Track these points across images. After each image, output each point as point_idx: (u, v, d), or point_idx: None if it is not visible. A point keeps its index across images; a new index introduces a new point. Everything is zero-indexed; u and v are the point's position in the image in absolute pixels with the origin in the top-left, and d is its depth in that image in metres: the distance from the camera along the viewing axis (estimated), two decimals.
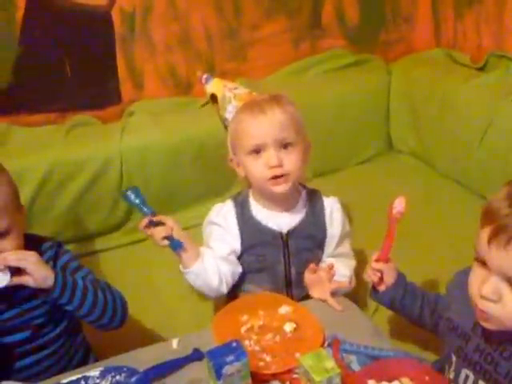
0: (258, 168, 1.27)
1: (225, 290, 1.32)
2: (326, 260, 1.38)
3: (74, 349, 1.29)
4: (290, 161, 1.27)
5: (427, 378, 1.05)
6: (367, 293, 1.47)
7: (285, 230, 1.34)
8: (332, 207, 1.38)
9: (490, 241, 0.88)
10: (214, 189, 1.81)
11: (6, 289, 1.10)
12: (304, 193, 1.38)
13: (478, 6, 1.96)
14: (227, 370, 0.95)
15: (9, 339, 1.18)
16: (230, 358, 0.95)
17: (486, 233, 0.89)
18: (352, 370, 1.09)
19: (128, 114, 1.85)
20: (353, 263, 1.42)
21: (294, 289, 1.36)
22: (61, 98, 1.84)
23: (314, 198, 1.38)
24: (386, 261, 1.25)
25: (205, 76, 1.49)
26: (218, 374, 0.95)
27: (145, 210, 1.24)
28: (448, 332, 1.11)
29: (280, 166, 1.25)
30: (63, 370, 1.21)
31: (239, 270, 1.35)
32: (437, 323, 1.20)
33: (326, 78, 2.08)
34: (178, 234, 1.24)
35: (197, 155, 1.77)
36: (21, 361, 1.20)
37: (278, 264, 1.34)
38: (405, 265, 1.31)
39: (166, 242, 1.23)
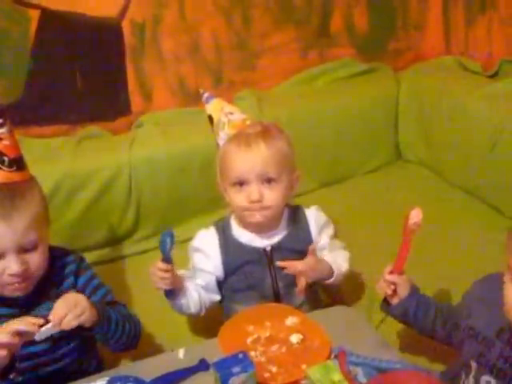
0: (239, 198, 1.30)
1: (202, 313, 1.38)
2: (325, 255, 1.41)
3: (87, 361, 1.31)
4: (271, 196, 1.30)
5: None
6: (373, 304, 1.48)
7: (268, 247, 1.36)
8: (315, 217, 1.41)
9: None
10: (221, 200, 1.82)
11: None
12: (286, 212, 1.40)
13: (490, 12, 1.95)
14: (233, 381, 0.96)
15: (31, 349, 1.18)
16: (237, 369, 0.96)
17: None
18: (359, 383, 1.08)
19: (137, 125, 1.87)
20: (347, 254, 1.44)
21: (283, 302, 1.37)
22: (71, 110, 1.86)
23: (296, 214, 1.40)
24: (401, 273, 1.25)
25: (206, 95, 1.43)
26: None
27: (168, 258, 1.25)
28: (468, 340, 1.11)
29: (260, 200, 1.29)
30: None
31: (217, 297, 1.40)
32: (449, 334, 1.20)
33: (335, 86, 2.08)
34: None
35: (204, 166, 1.76)
36: (39, 371, 1.22)
37: (265, 280, 1.36)
38: (417, 276, 1.30)
39: (162, 290, 1.29)
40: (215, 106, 1.38)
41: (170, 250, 1.23)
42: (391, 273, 1.25)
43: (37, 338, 1.08)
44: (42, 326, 1.07)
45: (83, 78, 1.84)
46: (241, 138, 1.30)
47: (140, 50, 1.85)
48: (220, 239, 1.37)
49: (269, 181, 1.29)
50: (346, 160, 2.10)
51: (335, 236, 1.48)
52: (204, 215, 1.81)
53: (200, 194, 1.82)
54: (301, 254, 1.37)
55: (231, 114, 1.34)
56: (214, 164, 1.80)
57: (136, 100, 1.90)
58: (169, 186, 1.80)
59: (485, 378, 1.06)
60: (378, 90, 2.11)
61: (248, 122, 1.33)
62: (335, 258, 1.39)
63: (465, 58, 2.05)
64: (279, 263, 1.34)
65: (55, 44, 1.78)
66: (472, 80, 1.95)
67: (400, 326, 1.38)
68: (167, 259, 1.24)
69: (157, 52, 1.88)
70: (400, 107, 2.11)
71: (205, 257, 1.37)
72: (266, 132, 1.31)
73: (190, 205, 1.84)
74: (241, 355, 0.98)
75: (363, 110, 2.07)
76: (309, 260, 1.32)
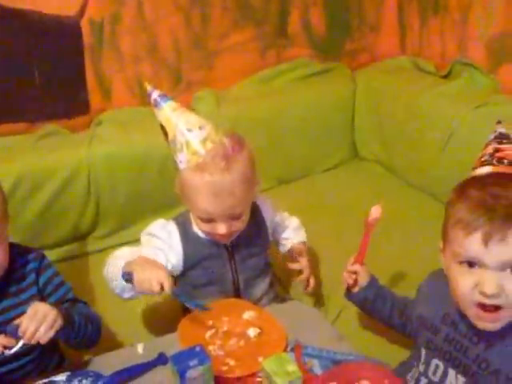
0: (206, 227, 1.30)
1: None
2: (288, 241, 1.49)
3: (49, 357, 1.31)
4: (238, 224, 1.30)
5: (386, 381, 1.10)
6: (330, 297, 1.53)
7: (229, 242, 1.36)
8: (262, 203, 1.44)
9: (486, 244, 0.95)
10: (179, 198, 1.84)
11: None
12: None
13: (443, 14, 2.00)
14: (191, 374, 0.98)
15: None
16: (194, 362, 0.98)
17: (476, 240, 0.96)
18: (314, 374, 1.12)
19: (96, 123, 1.86)
20: (297, 220, 1.56)
21: (242, 296, 1.39)
22: (30, 109, 1.84)
23: (253, 209, 1.38)
24: (361, 264, 1.33)
25: (154, 96, 1.27)
26: (182, 378, 0.98)
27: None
28: (418, 328, 1.17)
29: (228, 232, 1.29)
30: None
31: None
32: (405, 324, 1.26)
33: (292, 86, 2.11)
34: None
35: (163, 164, 1.77)
36: (4, 366, 1.21)
37: (225, 274, 1.37)
38: (375, 269, 1.37)
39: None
40: (167, 119, 1.26)
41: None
42: (353, 264, 1.33)
43: (6, 354, 1.07)
44: (11, 347, 1.07)
45: (42, 76, 1.82)
46: (206, 177, 1.22)
47: (98, 48, 1.85)
48: (180, 233, 1.35)
49: (238, 217, 1.29)
50: (303, 158, 2.14)
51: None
52: (163, 213, 1.79)
53: (159, 191, 1.82)
54: (259, 246, 1.42)
55: (189, 131, 1.24)
56: (172, 163, 1.82)
57: (95, 98, 1.90)
58: (128, 184, 1.81)
59: (434, 361, 1.12)
60: (334, 89, 2.15)
61: (208, 145, 1.23)
62: (299, 235, 1.51)
63: (419, 59, 2.11)
64: (290, 265, 1.43)
65: (13, 42, 1.76)
66: (426, 80, 2.00)
67: (358, 318, 1.45)
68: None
69: (115, 51, 1.87)
70: (356, 106, 2.17)
71: (166, 245, 1.34)
72: (229, 162, 1.23)
73: (148, 202, 1.85)
74: (198, 348, 1.01)
75: (320, 109, 2.11)
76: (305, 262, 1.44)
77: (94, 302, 1.50)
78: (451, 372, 1.08)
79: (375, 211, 1.31)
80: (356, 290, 1.33)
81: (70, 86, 1.87)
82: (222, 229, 1.28)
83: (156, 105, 1.28)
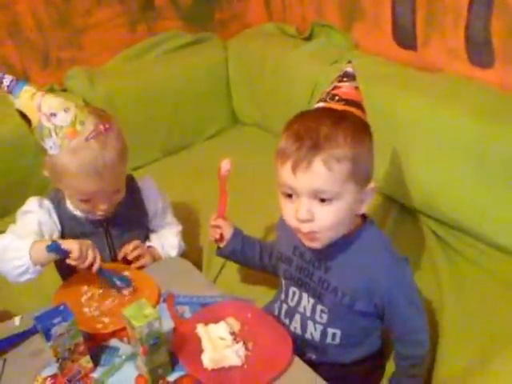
0: (87, 206, 1.31)
1: None
2: (151, 237, 1.46)
3: None
4: (117, 196, 1.33)
5: (249, 315, 1.18)
6: (211, 254, 1.59)
7: (104, 217, 1.36)
8: (146, 187, 1.45)
9: (294, 172, 1.03)
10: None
11: None
12: None
13: None
14: (56, 330, 1.01)
15: None
16: (58, 319, 1.01)
17: (288, 168, 1.04)
18: (184, 319, 1.19)
19: None
20: (179, 228, 1.51)
21: None
22: None
23: (129, 185, 1.39)
24: (223, 218, 1.38)
25: (6, 83, 1.19)
26: (47, 336, 1.01)
27: None
28: (277, 262, 1.27)
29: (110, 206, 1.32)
30: None
31: None
32: (275, 266, 1.32)
33: (165, 58, 2.15)
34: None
35: (38, 145, 1.73)
36: None
37: (102, 251, 1.36)
38: (244, 222, 1.43)
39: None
40: (27, 103, 1.20)
41: None
42: (216, 219, 1.38)
43: None
44: None
45: None
46: (84, 160, 1.22)
47: None
48: (56, 209, 1.36)
49: (118, 191, 1.32)
50: (184, 129, 2.19)
51: (170, 206, 1.53)
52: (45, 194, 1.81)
53: (37, 173, 1.74)
54: (137, 224, 1.44)
55: (53, 115, 1.20)
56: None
57: None
58: (3, 170, 1.79)
59: (291, 289, 1.23)
60: (207, 59, 2.20)
61: (78, 127, 1.22)
62: (163, 244, 1.44)
63: (283, 24, 2.20)
64: (119, 255, 1.38)
65: None
66: (290, 42, 2.09)
67: (240, 271, 1.53)
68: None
69: None
70: (230, 73, 2.23)
71: (43, 222, 1.33)
72: (104, 141, 1.24)
73: (29, 186, 1.80)
74: (61, 307, 1.04)
75: (195, 80, 2.16)
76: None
77: None
78: (304, 296, 1.19)
79: (225, 164, 1.37)
80: (224, 243, 1.38)
81: None
82: (103, 205, 1.30)
83: (11, 92, 1.21)
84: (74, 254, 1.19)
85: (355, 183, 1.05)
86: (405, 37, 1.82)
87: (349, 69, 1.20)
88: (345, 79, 1.18)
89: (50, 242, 1.19)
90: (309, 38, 2.10)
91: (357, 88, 1.17)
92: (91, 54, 2.06)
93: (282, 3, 2.22)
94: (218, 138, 2.27)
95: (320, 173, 1.02)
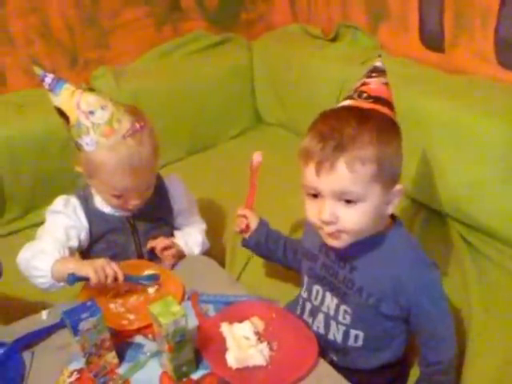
0: (118, 202, 1.33)
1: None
2: (176, 234, 1.46)
3: None
4: (148, 192, 1.35)
5: (274, 315, 1.18)
6: (235, 249, 1.59)
7: (131, 214, 1.39)
8: (172, 185, 1.47)
9: (318, 173, 1.02)
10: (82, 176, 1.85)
11: None
12: None
13: None
14: (83, 325, 1.02)
15: None
16: (85, 314, 1.02)
17: (312, 168, 1.03)
18: (208, 317, 1.20)
19: None
20: (203, 226, 1.52)
21: None
22: None
23: (156, 183, 1.40)
24: (251, 208, 1.40)
25: (48, 81, 1.23)
26: (75, 331, 1.02)
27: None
28: (302, 259, 1.26)
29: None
30: None
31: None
32: (299, 262, 1.31)
33: (190, 59, 2.16)
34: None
35: (65, 143, 1.78)
36: None
37: (129, 247, 1.40)
38: (273, 218, 1.44)
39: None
40: (67, 100, 1.24)
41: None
42: (243, 209, 1.40)
43: None
44: None
45: None
46: (122, 156, 1.25)
47: None
48: (83, 207, 1.37)
49: (150, 187, 1.35)
50: (208, 128, 2.21)
51: (195, 204, 1.55)
52: (70, 191, 1.83)
53: (63, 170, 1.81)
54: (162, 221, 1.45)
55: (91, 113, 1.23)
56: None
57: None
58: (31, 167, 1.82)
59: (315, 287, 1.21)
60: (232, 59, 2.22)
61: (115, 125, 1.24)
62: (187, 241, 1.44)
63: (308, 25, 2.20)
64: (148, 245, 1.39)
65: None
66: (315, 44, 2.10)
67: (263, 270, 1.53)
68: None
69: (4, 34, 1.86)
70: (255, 74, 2.24)
71: (72, 221, 1.35)
72: (140, 138, 1.27)
73: (53, 183, 1.84)
74: (89, 303, 1.05)
75: (220, 80, 2.18)
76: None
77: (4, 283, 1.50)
78: (328, 295, 1.18)
79: (257, 156, 1.40)
80: (248, 235, 1.39)
81: None
82: (135, 201, 1.33)
83: (51, 90, 1.25)
84: (92, 279, 1.20)
85: (381, 185, 1.03)
86: (432, 38, 1.81)
87: (378, 63, 1.17)
88: (374, 74, 1.14)
89: (67, 275, 1.20)
90: (334, 40, 2.10)
91: (386, 84, 1.14)
92: (118, 53, 2.09)
93: (307, 4, 2.22)
94: (242, 137, 2.28)
95: (343, 175, 1.01)
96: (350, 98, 1.12)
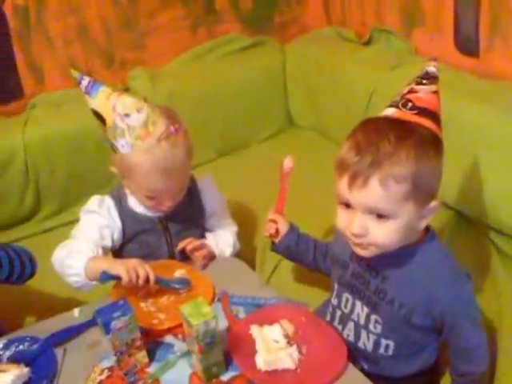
0: (152, 203, 1.35)
1: None
2: (207, 236, 1.47)
3: None
4: (181, 194, 1.37)
5: (304, 318, 1.18)
6: (265, 251, 1.60)
7: (163, 215, 1.40)
8: (205, 187, 1.48)
9: (350, 187, 1.01)
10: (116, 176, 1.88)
11: None
12: None
13: None
14: (115, 324, 1.04)
15: None
16: (117, 313, 1.04)
17: (345, 181, 1.02)
18: (239, 319, 1.21)
19: (30, 107, 1.90)
20: (234, 228, 1.53)
21: None
22: None
23: (189, 184, 1.41)
24: (281, 213, 1.39)
25: (84, 84, 1.26)
26: (107, 329, 1.04)
27: None
28: (332, 265, 1.25)
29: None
30: None
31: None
32: (329, 267, 1.31)
33: (224, 61, 2.18)
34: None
35: (100, 143, 1.81)
36: None
37: (161, 247, 1.42)
38: (303, 222, 1.43)
39: None
40: (103, 103, 1.25)
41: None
42: (273, 214, 1.39)
43: None
44: None
45: None
46: (156, 159, 1.26)
47: (26, 33, 1.88)
48: (117, 207, 1.39)
49: (183, 189, 1.37)
50: (241, 130, 2.22)
51: (227, 206, 1.56)
52: (103, 191, 1.84)
53: (98, 170, 1.86)
54: (194, 222, 1.46)
55: (127, 116, 1.24)
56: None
57: (28, 83, 1.93)
58: (66, 165, 1.86)
59: (345, 295, 1.21)
60: (265, 62, 2.23)
61: (151, 128, 1.26)
62: (218, 242, 1.45)
63: (342, 28, 2.19)
64: (179, 246, 1.40)
65: None
66: (348, 47, 2.10)
67: (293, 273, 1.53)
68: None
69: (44, 35, 1.91)
70: (288, 77, 2.25)
71: (105, 220, 1.37)
72: (175, 141, 1.28)
73: (88, 181, 1.89)
74: (121, 302, 1.07)
75: (253, 82, 2.19)
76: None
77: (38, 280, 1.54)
78: (358, 303, 1.17)
79: (288, 162, 1.39)
80: (278, 239, 1.38)
81: (1, 72, 1.89)
82: (168, 202, 1.34)
83: (88, 92, 1.27)
84: (124, 278, 1.22)
85: (414, 203, 1.01)
86: (467, 43, 1.78)
87: (430, 68, 1.10)
88: (424, 81, 1.09)
89: (100, 273, 1.22)
90: (368, 43, 2.09)
91: (435, 92, 1.08)
92: (154, 55, 2.12)
93: (341, 7, 2.22)
94: (274, 140, 2.28)
95: (376, 191, 0.99)
96: (394, 105, 1.07)
